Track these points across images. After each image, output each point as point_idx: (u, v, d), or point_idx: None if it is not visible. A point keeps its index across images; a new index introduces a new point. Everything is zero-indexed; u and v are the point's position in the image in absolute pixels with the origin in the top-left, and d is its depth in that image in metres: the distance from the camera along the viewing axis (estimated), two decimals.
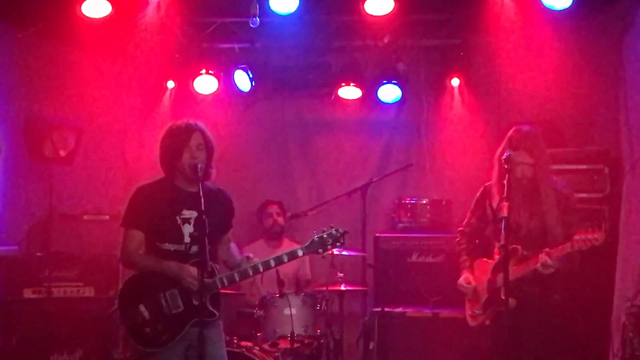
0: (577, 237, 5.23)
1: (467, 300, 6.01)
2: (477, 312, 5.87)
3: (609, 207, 6.92)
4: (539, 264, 5.38)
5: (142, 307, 5.21)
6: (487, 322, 5.79)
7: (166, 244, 5.24)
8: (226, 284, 5.25)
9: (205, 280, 5.05)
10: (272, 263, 5.32)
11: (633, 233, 6.51)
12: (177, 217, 5.25)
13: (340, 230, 5.31)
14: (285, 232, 8.26)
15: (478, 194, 6.03)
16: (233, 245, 5.59)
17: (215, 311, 5.21)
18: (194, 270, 5.11)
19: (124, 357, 7.22)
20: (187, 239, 5.23)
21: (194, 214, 5.19)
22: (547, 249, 5.39)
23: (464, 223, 6.17)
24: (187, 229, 5.23)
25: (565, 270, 5.44)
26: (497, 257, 5.68)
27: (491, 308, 5.71)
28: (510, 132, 5.75)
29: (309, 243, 5.31)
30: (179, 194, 5.30)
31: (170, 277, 5.18)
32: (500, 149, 5.72)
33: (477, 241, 6.08)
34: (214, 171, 5.39)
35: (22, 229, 7.70)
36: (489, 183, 5.90)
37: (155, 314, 5.20)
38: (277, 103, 8.81)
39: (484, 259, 5.92)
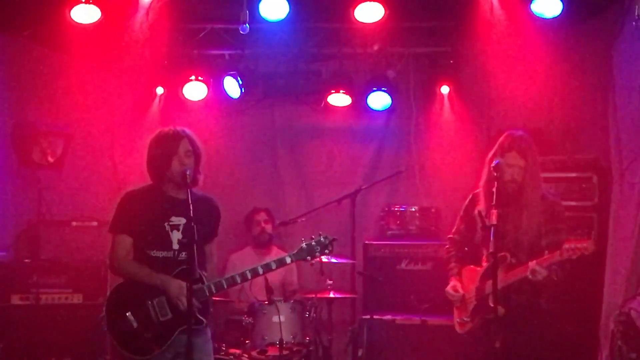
0: (566, 245, 5.22)
1: (455, 307, 5.99)
2: (465, 319, 5.84)
3: (598, 216, 6.94)
4: (528, 272, 5.36)
5: (129, 315, 5.19)
6: (476, 330, 5.75)
7: (154, 251, 5.23)
8: (214, 291, 5.24)
9: (194, 287, 5.04)
10: (260, 270, 5.31)
11: (621, 241, 6.52)
12: (166, 224, 5.24)
13: (328, 237, 5.32)
14: (273, 239, 8.24)
15: (467, 201, 6.02)
16: (213, 268, 5.56)
17: (203, 319, 5.19)
18: (179, 285, 5.09)
19: None
20: (175, 246, 5.22)
21: (183, 220, 5.18)
22: (537, 258, 5.38)
23: (453, 230, 6.15)
24: (176, 236, 5.22)
25: (554, 278, 5.42)
26: (485, 264, 5.66)
27: (479, 316, 5.68)
28: (501, 138, 5.75)
29: (297, 250, 5.32)
30: (168, 200, 5.29)
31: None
32: (490, 155, 5.72)
33: (466, 248, 6.05)
34: (201, 177, 5.39)
35: (10, 235, 7.68)
36: (477, 190, 5.89)
37: (143, 322, 5.18)
38: (266, 110, 8.80)
39: (472, 267, 5.89)
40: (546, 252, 5.37)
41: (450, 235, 6.16)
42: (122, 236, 5.30)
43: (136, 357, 5.19)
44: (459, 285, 5.90)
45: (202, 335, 5.27)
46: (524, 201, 5.61)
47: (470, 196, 5.99)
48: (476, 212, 5.79)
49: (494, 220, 5.22)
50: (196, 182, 5.35)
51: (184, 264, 5.11)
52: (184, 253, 5.16)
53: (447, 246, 6.16)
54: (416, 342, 7.17)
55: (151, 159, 5.35)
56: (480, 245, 5.82)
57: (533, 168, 5.65)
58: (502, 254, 5.45)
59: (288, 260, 5.32)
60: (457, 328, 5.96)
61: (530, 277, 5.36)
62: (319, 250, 5.30)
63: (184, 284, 5.04)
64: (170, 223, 5.24)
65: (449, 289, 5.93)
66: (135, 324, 5.18)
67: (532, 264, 5.35)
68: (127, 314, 5.19)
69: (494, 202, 5.29)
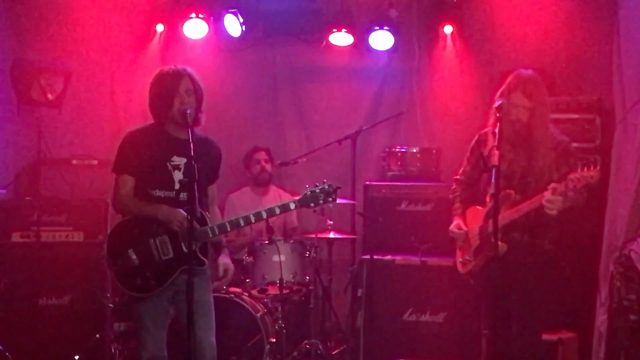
0: (571, 175, 5.12)
1: (458, 247, 6.00)
2: (467, 258, 5.84)
3: (600, 157, 6.90)
4: (545, 199, 5.23)
5: (131, 252, 5.21)
6: (478, 270, 5.75)
7: (156, 190, 5.24)
8: (217, 233, 5.25)
9: (197, 227, 5.06)
10: (264, 214, 5.33)
11: (622, 183, 6.52)
12: (168, 164, 5.24)
13: (332, 186, 5.31)
14: (272, 179, 8.23)
15: (473, 142, 5.97)
16: (217, 210, 5.60)
17: (204, 259, 5.21)
18: (183, 216, 5.09)
19: (112, 302, 7.24)
20: (177, 186, 5.23)
21: (184, 160, 5.18)
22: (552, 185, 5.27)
23: (460, 171, 6.12)
24: (177, 176, 5.23)
25: (579, 200, 5.30)
26: (489, 204, 5.59)
27: (482, 254, 5.66)
28: (509, 77, 5.66)
29: (301, 197, 5.31)
30: (169, 140, 5.28)
31: (161, 223, 5.18)
32: (498, 95, 5.64)
33: (471, 190, 6.04)
34: (203, 116, 5.37)
35: (10, 173, 7.68)
36: (484, 130, 5.84)
37: (144, 260, 5.20)
38: (267, 49, 8.70)
39: (476, 207, 5.88)
40: (552, 183, 5.28)
41: (457, 177, 6.13)
42: (124, 176, 5.31)
43: (136, 294, 5.23)
44: (462, 224, 5.89)
45: (202, 274, 5.30)
46: (533, 142, 5.55)
47: (477, 136, 5.95)
48: (481, 152, 5.76)
49: (495, 161, 5.16)
50: (198, 121, 5.34)
51: (185, 204, 5.08)
52: (184, 193, 5.17)
53: (454, 187, 6.13)
54: (415, 282, 7.19)
55: (152, 98, 5.33)
56: (486, 186, 5.80)
57: (540, 109, 5.56)
58: (508, 191, 5.42)
59: (292, 206, 5.33)
60: (460, 268, 5.96)
61: (546, 205, 5.23)
62: (322, 197, 5.29)
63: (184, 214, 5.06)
64: (172, 163, 5.24)
65: (452, 227, 5.92)
66: (136, 262, 5.20)
67: (547, 192, 5.24)
68: (128, 251, 5.21)
69: (496, 142, 5.22)
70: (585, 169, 5.05)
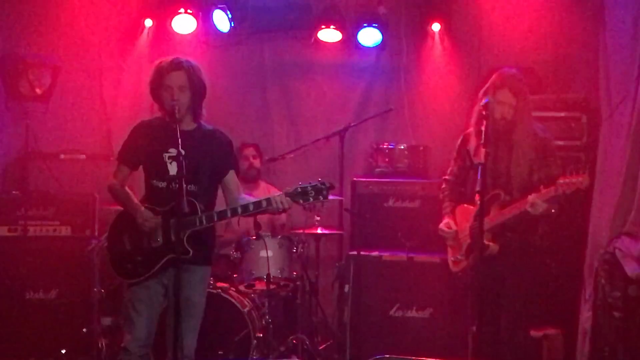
0: (561, 180, 5.21)
1: (449, 246, 6.03)
2: (459, 257, 5.88)
3: (586, 155, 6.96)
4: (528, 205, 5.35)
5: (125, 238, 5.33)
6: (470, 268, 5.78)
7: (155, 180, 5.32)
8: (204, 223, 5.24)
9: (184, 218, 5.10)
10: (251, 207, 5.31)
11: (608, 180, 6.56)
12: (164, 155, 5.26)
13: (326, 184, 5.25)
14: (261, 175, 8.24)
15: (459, 141, 6.03)
16: (244, 197, 5.52)
17: (189, 249, 5.16)
18: (145, 215, 5.23)
19: (99, 297, 7.24)
20: (170, 177, 5.23)
21: (181, 152, 5.16)
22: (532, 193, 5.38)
23: (447, 171, 6.18)
24: (174, 167, 5.23)
25: (553, 211, 5.42)
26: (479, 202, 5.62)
27: (473, 254, 5.68)
28: (494, 76, 5.73)
29: (291, 190, 5.25)
30: (169, 131, 5.26)
31: (155, 213, 5.26)
32: (481, 93, 5.70)
33: (461, 189, 6.07)
34: (204, 112, 5.39)
35: None
36: (468, 130, 5.88)
37: (135, 246, 5.31)
38: (256, 44, 8.70)
39: (466, 205, 5.91)
40: (541, 187, 5.37)
41: (445, 177, 6.19)
42: (122, 166, 5.46)
43: (126, 280, 5.37)
44: (452, 223, 5.94)
45: (197, 273, 5.35)
46: (515, 139, 5.61)
47: (462, 137, 6.00)
48: (466, 151, 5.78)
49: (482, 159, 5.21)
50: (197, 116, 5.37)
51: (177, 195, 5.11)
52: (174, 184, 5.14)
53: (443, 186, 6.19)
54: (402, 278, 7.22)
55: (150, 89, 5.38)
56: (473, 184, 5.77)
57: (524, 106, 5.64)
58: (496, 192, 5.49)
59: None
60: (452, 267, 6.01)
61: (530, 210, 5.35)
62: (313, 195, 5.22)
63: (150, 214, 5.22)
64: (169, 154, 5.26)
65: (442, 225, 5.97)
66: (128, 247, 5.30)
67: (531, 197, 5.35)
68: (123, 237, 5.33)
69: (483, 140, 5.26)
70: (574, 174, 5.11)
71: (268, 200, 5.24)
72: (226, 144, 5.54)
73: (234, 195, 5.48)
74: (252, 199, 5.45)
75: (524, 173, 5.59)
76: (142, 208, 5.29)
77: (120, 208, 5.52)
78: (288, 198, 5.23)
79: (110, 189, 5.47)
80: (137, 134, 5.43)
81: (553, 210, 5.41)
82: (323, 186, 5.23)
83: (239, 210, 5.31)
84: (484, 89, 5.72)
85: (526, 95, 5.70)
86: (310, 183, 5.25)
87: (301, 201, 5.25)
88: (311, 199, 5.24)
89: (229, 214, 5.33)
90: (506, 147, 5.63)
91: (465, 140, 5.91)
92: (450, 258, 6.02)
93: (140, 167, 5.47)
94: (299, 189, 5.24)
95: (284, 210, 5.33)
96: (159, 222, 5.25)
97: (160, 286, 5.34)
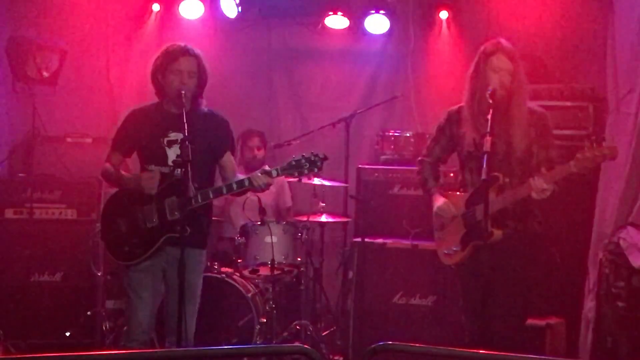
0: (579, 155, 4.89)
1: (439, 238, 5.67)
2: (454, 249, 5.49)
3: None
4: (533, 191, 5.05)
5: (120, 221, 5.34)
6: (467, 260, 5.42)
7: (152, 166, 5.32)
8: (200, 200, 5.23)
9: (177, 198, 5.14)
10: (246, 182, 5.29)
11: (613, 171, 6.55)
12: (163, 140, 5.28)
13: (319, 155, 5.24)
14: (265, 162, 8.22)
15: (442, 120, 5.63)
16: (240, 176, 5.52)
17: (187, 228, 5.10)
18: (147, 175, 5.23)
19: (104, 279, 7.27)
20: (171, 162, 5.24)
21: (180, 136, 5.16)
22: (542, 171, 5.07)
23: (423, 152, 5.81)
24: (173, 152, 5.24)
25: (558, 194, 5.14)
26: (471, 189, 5.42)
27: (472, 243, 5.35)
28: (484, 45, 5.41)
29: (285, 164, 5.25)
30: (167, 116, 5.32)
31: (141, 192, 5.26)
32: (472, 67, 5.44)
33: (438, 169, 5.76)
34: (204, 101, 5.40)
35: (4, 150, 7.68)
36: (453, 108, 5.59)
37: (131, 228, 5.32)
38: (263, 30, 8.70)
39: (453, 192, 5.65)
40: (542, 169, 5.09)
41: (421, 158, 5.77)
42: (115, 152, 5.50)
43: (124, 262, 5.37)
44: (450, 203, 5.52)
45: (195, 256, 5.34)
46: (512, 115, 5.28)
47: (446, 115, 5.62)
48: (454, 131, 5.52)
49: (488, 147, 5.02)
50: (198, 104, 5.36)
51: (180, 180, 5.13)
52: (179, 170, 5.17)
53: (418, 168, 5.76)
54: (406, 265, 7.22)
55: (154, 72, 5.36)
56: (462, 170, 5.58)
57: (520, 74, 5.33)
58: (494, 174, 5.16)
59: (274, 173, 5.25)
60: (446, 260, 5.63)
61: (535, 195, 5.06)
62: (307, 167, 5.21)
63: (150, 173, 5.24)
64: (168, 138, 5.28)
65: (441, 205, 5.54)
66: (124, 230, 5.32)
67: (535, 180, 5.05)
68: (118, 220, 5.33)
69: (489, 129, 5.05)
70: (597, 146, 4.86)
71: (249, 179, 5.26)
72: (223, 126, 5.56)
73: (229, 177, 5.50)
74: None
75: (523, 155, 5.29)
76: (144, 173, 5.31)
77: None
78: (275, 172, 5.23)
79: (104, 172, 5.53)
80: (131, 121, 5.45)
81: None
82: (316, 157, 5.23)
83: (224, 189, 5.32)
84: (474, 61, 5.43)
85: (519, 60, 5.36)
86: (303, 155, 5.25)
87: (296, 174, 5.26)
88: (306, 171, 5.24)
89: (210, 195, 5.27)
90: (503, 124, 5.26)
91: (451, 120, 5.55)
92: (444, 251, 5.59)
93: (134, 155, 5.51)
94: (293, 162, 5.24)
95: (267, 187, 5.31)
96: (157, 178, 5.24)
97: (159, 270, 5.35)
